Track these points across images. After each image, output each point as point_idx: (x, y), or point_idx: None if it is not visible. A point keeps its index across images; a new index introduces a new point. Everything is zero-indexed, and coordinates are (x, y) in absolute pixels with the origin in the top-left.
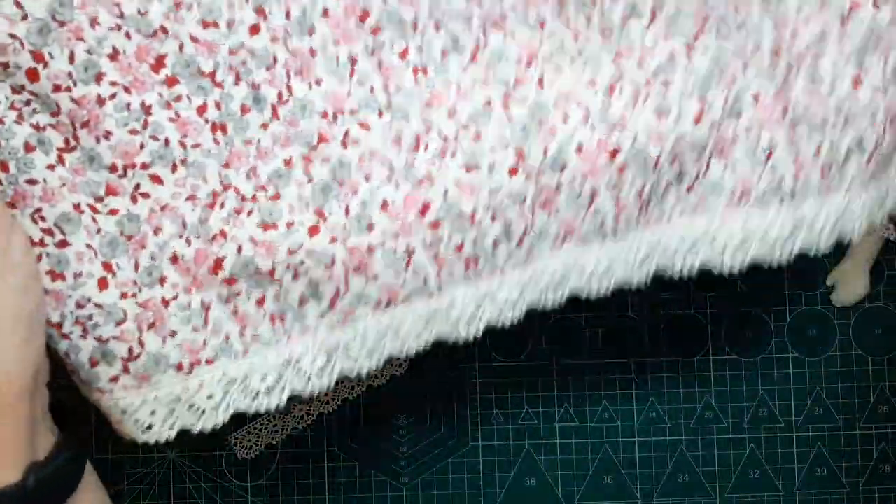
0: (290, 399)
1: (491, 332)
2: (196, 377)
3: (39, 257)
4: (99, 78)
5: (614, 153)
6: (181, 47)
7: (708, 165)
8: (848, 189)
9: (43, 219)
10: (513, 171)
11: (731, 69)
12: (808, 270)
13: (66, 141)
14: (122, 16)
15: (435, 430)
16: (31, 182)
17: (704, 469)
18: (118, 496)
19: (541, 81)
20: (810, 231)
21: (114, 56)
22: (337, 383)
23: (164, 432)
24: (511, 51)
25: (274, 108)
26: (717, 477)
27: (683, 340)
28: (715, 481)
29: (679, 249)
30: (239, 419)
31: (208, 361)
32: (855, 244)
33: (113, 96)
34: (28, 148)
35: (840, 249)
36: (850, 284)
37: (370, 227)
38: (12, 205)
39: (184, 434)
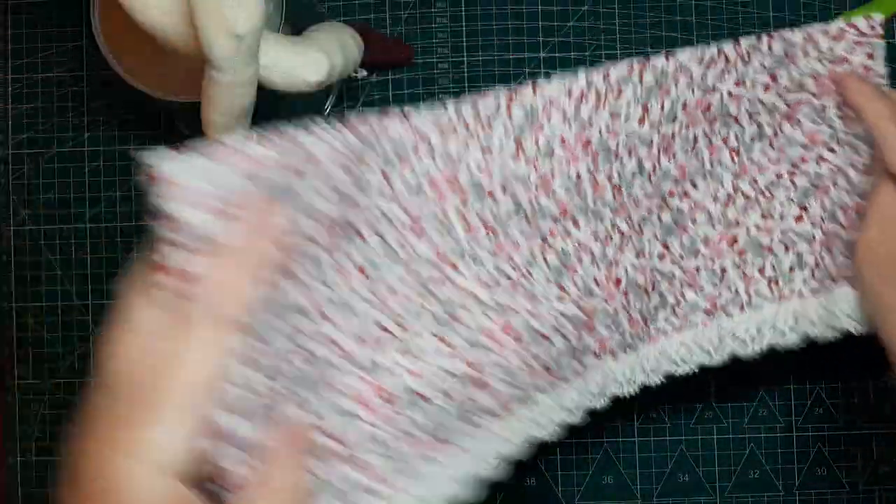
0: None
1: None
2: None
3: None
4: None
5: (618, 282)
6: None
7: (683, 294)
8: (800, 297)
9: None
10: (561, 298)
11: (683, 223)
12: None
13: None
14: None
15: None
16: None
17: (704, 469)
18: None
19: (567, 233)
20: (775, 330)
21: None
22: None
23: None
24: (550, 208)
25: (406, 264)
26: (717, 477)
27: None
28: (715, 481)
29: (678, 358)
30: None
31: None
32: None
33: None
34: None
35: None
36: None
37: (480, 344)
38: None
39: None
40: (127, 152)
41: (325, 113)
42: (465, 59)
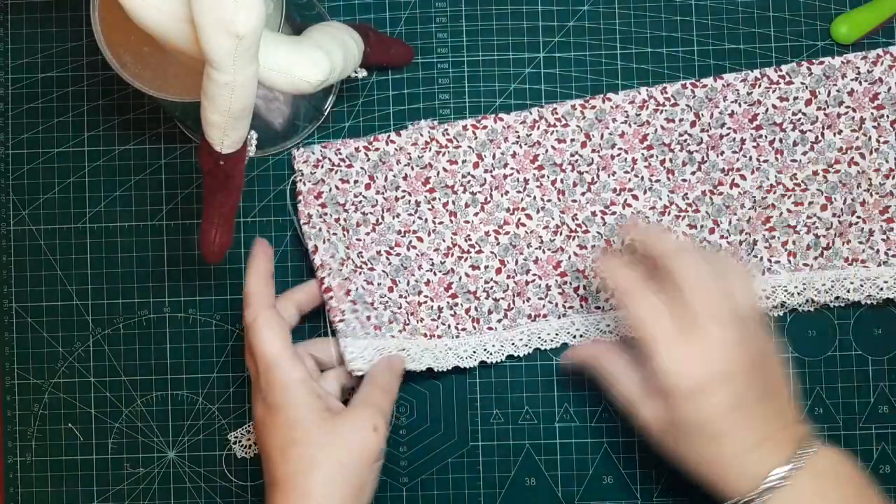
0: None
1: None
2: (433, 341)
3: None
4: (397, 189)
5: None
6: (438, 173)
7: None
8: (810, 269)
9: (361, 256)
10: (604, 251)
11: (732, 206)
12: None
13: (377, 221)
14: (409, 162)
15: (435, 430)
16: (359, 240)
17: None
18: (118, 496)
19: (627, 204)
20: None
21: (405, 178)
22: None
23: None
24: (610, 184)
25: (482, 205)
26: None
27: None
28: None
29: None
30: (239, 419)
31: (438, 336)
32: None
33: (402, 197)
34: (358, 224)
35: None
36: None
37: (528, 271)
38: (349, 247)
39: (184, 435)
40: (127, 152)
41: (325, 113)
42: (465, 59)
